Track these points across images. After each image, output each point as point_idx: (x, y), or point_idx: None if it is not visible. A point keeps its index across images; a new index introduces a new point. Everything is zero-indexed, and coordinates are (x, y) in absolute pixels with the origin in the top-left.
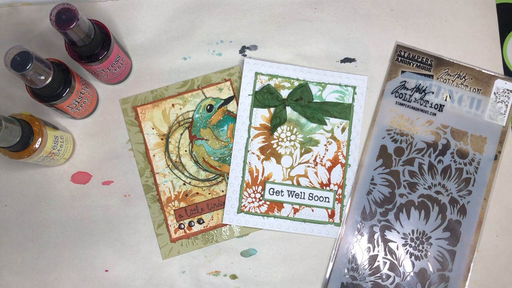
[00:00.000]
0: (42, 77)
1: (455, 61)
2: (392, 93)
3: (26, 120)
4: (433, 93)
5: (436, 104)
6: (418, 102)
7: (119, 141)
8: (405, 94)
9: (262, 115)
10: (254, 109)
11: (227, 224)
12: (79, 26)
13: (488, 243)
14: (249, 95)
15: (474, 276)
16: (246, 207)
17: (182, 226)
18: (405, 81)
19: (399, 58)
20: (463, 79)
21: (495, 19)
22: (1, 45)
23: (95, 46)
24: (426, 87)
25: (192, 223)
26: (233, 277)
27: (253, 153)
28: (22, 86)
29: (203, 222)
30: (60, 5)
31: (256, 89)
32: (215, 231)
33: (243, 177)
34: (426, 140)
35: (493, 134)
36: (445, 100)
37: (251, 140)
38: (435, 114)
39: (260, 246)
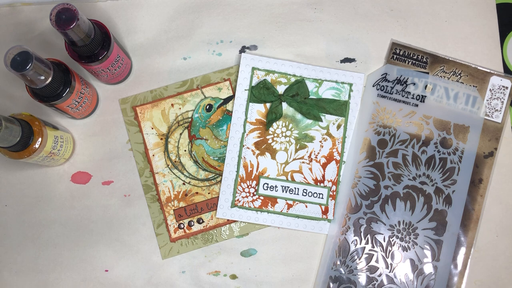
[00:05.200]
0: (42, 77)
1: (450, 58)
2: (373, 86)
3: (26, 120)
4: (414, 84)
5: (418, 95)
6: (399, 94)
7: (119, 141)
8: (387, 86)
9: (258, 110)
10: (250, 104)
11: (226, 224)
12: (79, 26)
13: (488, 243)
14: (245, 90)
15: (474, 276)
16: (240, 201)
17: (182, 226)
18: (386, 74)
19: (395, 56)
20: (459, 76)
21: (495, 19)
22: (1, 45)
23: (95, 46)
24: (407, 78)
25: (192, 222)
26: (233, 277)
27: (248, 147)
28: (22, 86)
29: (203, 221)
30: (60, 5)
31: (253, 84)
32: (215, 231)
33: (237, 171)
34: (409, 131)
35: (475, 122)
36: (427, 90)
37: (247, 134)
38: (417, 105)
39: (260, 246)
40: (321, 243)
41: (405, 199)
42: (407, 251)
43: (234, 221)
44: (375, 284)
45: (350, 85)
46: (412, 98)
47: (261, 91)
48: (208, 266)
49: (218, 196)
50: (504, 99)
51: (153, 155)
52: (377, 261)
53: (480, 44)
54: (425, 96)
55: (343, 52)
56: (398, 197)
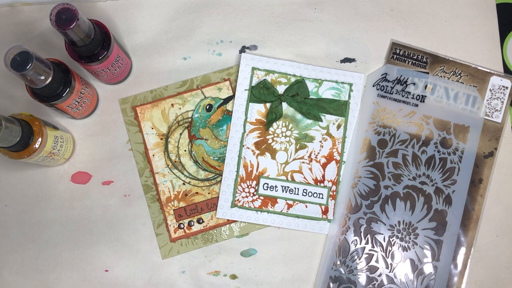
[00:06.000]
0: (42, 77)
1: (450, 58)
2: (373, 86)
3: (26, 120)
4: (414, 84)
5: (418, 95)
6: (399, 94)
7: (119, 141)
8: (387, 86)
9: (258, 110)
10: (250, 104)
11: (226, 224)
12: (79, 26)
13: (488, 243)
14: (245, 90)
15: (474, 276)
16: (240, 201)
17: (182, 226)
18: (386, 74)
19: (395, 56)
20: (459, 76)
21: (495, 19)
22: (1, 45)
23: (95, 46)
24: (407, 78)
25: (192, 222)
26: (233, 277)
27: (248, 147)
28: (22, 86)
29: (203, 221)
30: (60, 5)
31: (253, 84)
32: (215, 231)
33: (237, 171)
34: (409, 131)
35: (475, 122)
36: (427, 90)
37: (247, 134)
38: (417, 105)
39: (260, 246)
40: (321, 243)
41: (405, 199)
42: (407, 251)
43: (234, 221)
44: (375, 284)
45: (350, 85)
46: (412, 98)
47: (261, 91)
48: (208, 266)
49: (218, 196)
50: (504, 99)
51: (153, 155)
52: (377, 261)
53: (480, 44)
54: (425, 96)
55: (343, 52)
56: (398, 197)
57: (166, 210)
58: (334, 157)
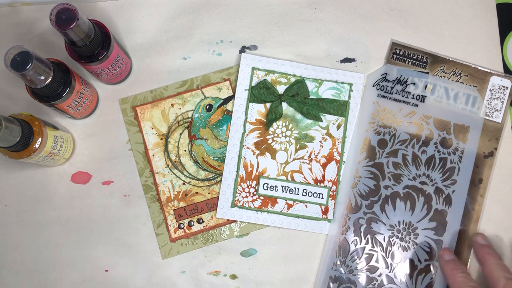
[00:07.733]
0: (42, 77)
1: (450, 58)
2: (373, 86)
3: (26, 120)
4: (414, 84)
5: (418, 95)
6: (399, 94)
7: (119, 141)
8: (387, 86)
9: (258, 110)
10: (250, 104)
11: (226, 224)
12: (79, 26)
13: None
14: (245, 90)
15: (474, 276)
16: (240, 201)
17: (182, 226)
18: (386, 74)
19: (395, 56)
20: (459, 76)
21: (495, 19)
22: (1, 45)
23: (95, 46)
24: (407, 78)
25: (192, 222)
26: (233, 277)
27: (248, 147)
28: (22, 86)
29: (203, 221)
30: (60, 5)
31: (253, 84)
32: (215, 231)
33: (237, 171)
34: (409, 131)
35: (475, 122)
36: (427, 90)
37: (247, 134)
38: (417, 105)
39: (260, 246)
40: (321, 243)
41: (405, 199)
42: (407, 251)
43: (234, 221)
44: (375, 284)
45: (350, 85)
46: (412, 98)
47: (261, 91)
48: (208, 266)
49: (218, 196)
50: (504, 99)
51: (153, 155)
52: (377, 261)
53: (480, 44)
54: (425, 96)
55: (343, 52)
56: (398, 197)
57: (166, 210)
58: (334, 157)
